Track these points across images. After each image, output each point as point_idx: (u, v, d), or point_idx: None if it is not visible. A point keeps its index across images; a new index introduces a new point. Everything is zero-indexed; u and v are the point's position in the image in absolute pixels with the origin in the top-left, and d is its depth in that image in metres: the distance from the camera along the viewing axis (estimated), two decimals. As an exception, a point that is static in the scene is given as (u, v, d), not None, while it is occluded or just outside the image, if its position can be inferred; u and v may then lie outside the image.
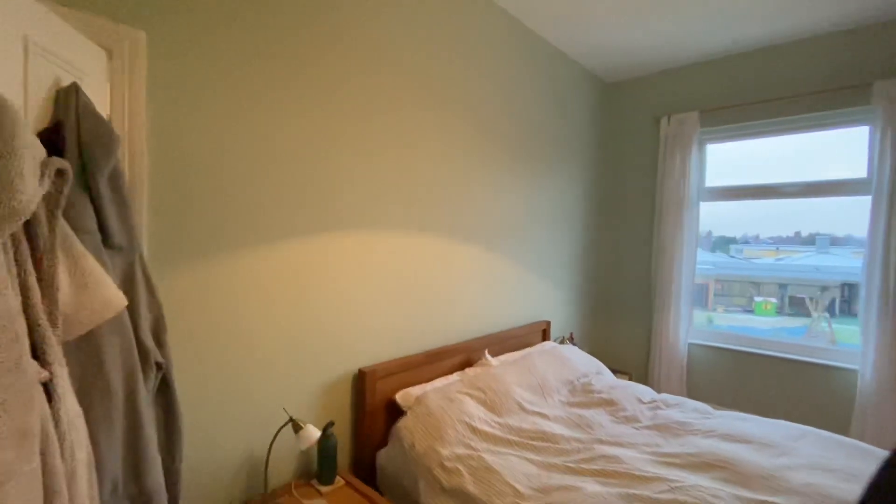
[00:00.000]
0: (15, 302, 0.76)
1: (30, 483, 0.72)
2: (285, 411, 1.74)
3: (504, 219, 2.82)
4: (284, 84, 1.71)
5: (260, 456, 1.70)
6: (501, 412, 2.03)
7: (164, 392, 1.26)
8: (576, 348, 2.87)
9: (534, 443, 1.90)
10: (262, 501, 1.64)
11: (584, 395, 2.38)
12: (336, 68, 1.88)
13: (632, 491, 1.57)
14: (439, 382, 2.14)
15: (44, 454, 0.76)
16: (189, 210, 1.50)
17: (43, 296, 0.83)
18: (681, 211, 3.45)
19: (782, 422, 2.13)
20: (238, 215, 1.61)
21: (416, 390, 2.04)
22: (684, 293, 3.45)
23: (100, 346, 1.02)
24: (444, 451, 1.75)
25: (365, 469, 1.97)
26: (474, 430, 1.88)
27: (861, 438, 2.71)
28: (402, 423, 1.90)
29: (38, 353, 0.80)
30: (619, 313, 3.88)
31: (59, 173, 0.85)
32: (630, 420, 2.17)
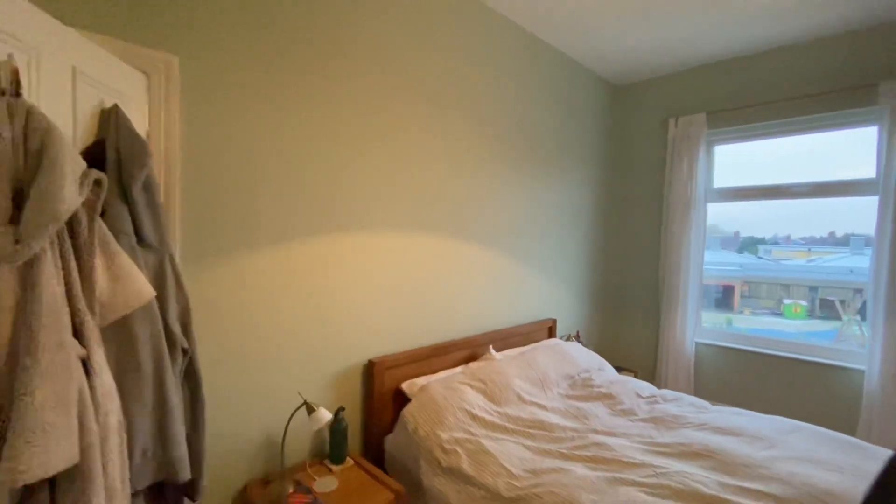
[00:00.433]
0: (59, 291, 0.88)
1: (68, 437, 0.83)
2: (300, 395, 1.86)
3: (511, 220, 2.88)
4: (304, 99, 1.83)
5: (277, 435, 1.82)
6: (500, 402, 2.09)
7: (190, 374, 1.38)
8: (579, 345, 2.89)
9: (530, 430, 1.95)
10: (279, 476, 1.75)
11: (583, 389, 2.41)
12: (355, 88, 1.99)
13: (618, 475, 1.61)
14: (443, 374, 2.22)
15: (81, 417, 0.88)
16: (216, 214, 1.63)
17: (83, 286, 0.95)
18: (688, 212, 3.42)
19: (777, 417, 2.12)
20: (260, 218, 1.74)
21: (421, 380, 2.13)
22: (691, 293, 3.42)
23: (133, 332, 1.15)
24: (444, 435, 1.83)
25: (374, 453, 2.07)
26: (473, 417, 1.95)
27: (867, 438, 2.65)
28: (407, 409, 1.99)
29: (78, 335, 0.92)
30: (627, 312, 3.86)
31: (97, 183, 0.97)
32: (627, 413, 2.20)
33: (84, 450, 0.87)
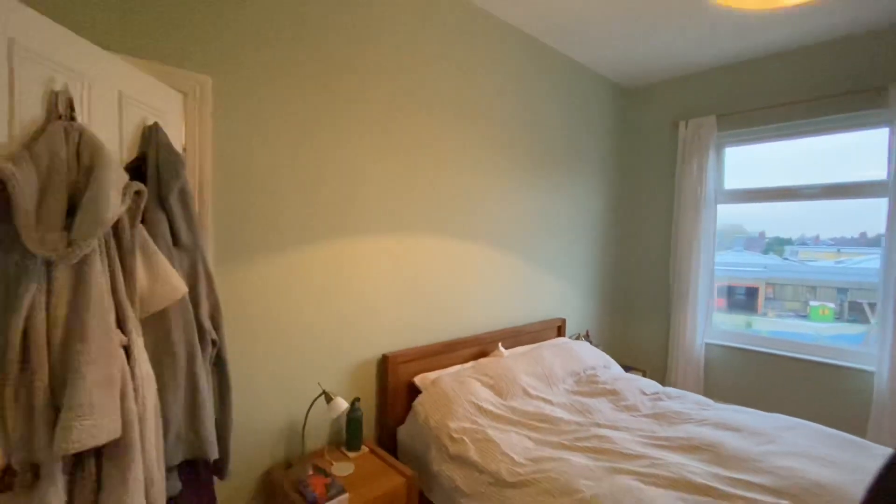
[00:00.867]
0: (106, 286, 0.99)
1: (112, 415, 0.93)
2: (319, 385, 1.95)
3: (522, 222, 2.92)
4: (323, 113, 1.93)
5: (298, 423, 1.91)
6: (507, 396, 2.14)
7: (219, 364, 1.48)
8: (586, 344, 2.90)
9: (535, 423, 1.99)
10: (300, 460, 1.85)
11: (588, 386, 2.43)
12: (370, 100, 2.08)
13: (616, 465, 1.64)
14: (454, 369, 2.28)
15: (123, 397, 0.98)
16: (244, 219, 1.74)
17: (125, 283, 1.06)
18: (698, 213, 3.38)
19: (778, 415, 2.09)
20: (283, 222, 1.84)
21: (432, 374, 2.19)
22: (701, 294, 3.38)
23: (168, 324, 1.25)
24: (453, 425, 1.89)
25: (387, 442, 2.14)
26: (481, 409, 2.00)
27: (877, 439, 2.58)
28: (419, 401, 2.05)
29: (120, 325, 1.03)
30: (638, 313, 3.84)
31: (137, 193, 1.08)
32: (630, 409, 2.21)
33: (125, 425, 0.97)
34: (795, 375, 3.02)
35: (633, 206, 3.88)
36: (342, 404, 1.84)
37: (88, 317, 0.92)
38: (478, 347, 2.55)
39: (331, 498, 1.59)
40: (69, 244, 0.88)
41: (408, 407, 2.16)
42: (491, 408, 2.03)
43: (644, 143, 3.81)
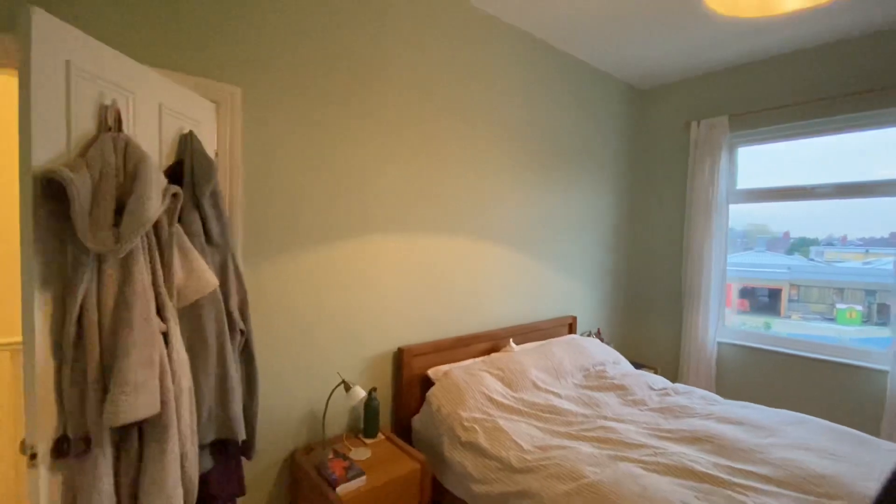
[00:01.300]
0: (147, 279, 1.08)
1: (152, 393, 1.03)
2: (339, 375, 2.03)
3: (535, 221, 2.95)
4: (344, 119, 2.01)
5: (319, 410, 2.00)
6: (516, 388, 2.18)
7: (247, 352, 1.58)
8: (597, 340, 2.92)
9: (543, 414, 2.03)
10: (320, 444, 1.94)
11: (597, 380, 2.45)
12: (389, 106, 2.15)
13: (620, 453, 1.67)
14: (466, 363, 2.34)
15: (161, 378, 1.07)
16: (271, 219, 1.84)
17: (164, 276, 1.16)
18: (710, 213, 3.35)
19: (784, 410, 2.08)
20: (307, 222, 1.93)
21: (444, 367, 2.25)
22: (713, 293, 3.35)
23: (201, 314, 1.35)
24: (465, 414, 1.95)
25: (402, 431, 2.21)
26: (491, 400, 2.05)
27: (891, 438, 2.53)
28: (432, 392, 2.12)
29: (160, 313, 1.12)
30: (650, 311, 3.82)
31: (174, 196, 1.17)
32: (637, 403, 2.23)
33: (163, 404, 1.07)
34: (809, 375, 2.96)
35: (646, 205, 3.86)
36: (360, 393, 1.91)
37: (133, 306, 1.02)
38: (490, 343, 2.60)
39: (350, 479, 1.67)
40: (117, 240, 0.98)
41: (422, 398, 2.22)
42: (501, 399, 2.08)
43: (656, 144, 3.78)
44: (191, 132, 1.47)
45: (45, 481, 0.97)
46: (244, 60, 1.75)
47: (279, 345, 1.88)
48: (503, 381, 2.20)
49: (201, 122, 1.62)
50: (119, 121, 1.11)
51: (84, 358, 0.98)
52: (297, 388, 1.94)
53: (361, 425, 2.10)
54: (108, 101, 1.10)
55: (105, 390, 0.99)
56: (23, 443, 0.96)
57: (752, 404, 2.19)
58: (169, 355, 1.12)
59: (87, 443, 1.00)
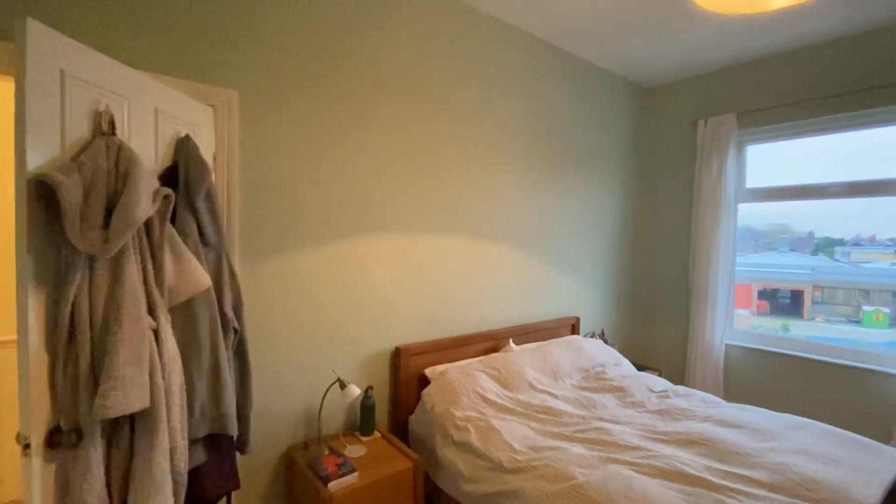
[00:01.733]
0: (138, 278, 1.13)
1: (142, 388, 1.07)
2: (334, 373, 2.07)
3: (537, 221, 2.95)
4: (340, 121, 2.04)
5: (315, 408, 2.04)
6: (512, 388, 2.19)
7: (240, 350, 1.62)
8: (598, 342, 2.90)
9: (538, 415, 2.04)
10: (317, 442, 1.97)
11: (595, 382, 2.45)
12: (386, 108, 2.18)
13: (612, 455, 1.67)
14: (463, 363, 2.35)
15: (151, 373, 1.11)
16: (268, 220, 1.88)
17: (155, 275, 1.20)
18: (718, 213, 3.30)
19: (787, 414, 2.04)
20: (304, 222, 1.97)
21: (441, 367, 2.28)
22: (721, 294, 3.30)
23: (194, 312, 1.39)
24: (458, 413, 1.97)
25: (399, 430, 2.24)
26: (485, 399, 2.07)
27: (904, 445, 2.47)
28: (427, 390, 2.14)
29: (151, 312, 1.16)
30: (656, 312, 3.78)
31: (166, 197, 1.22)
32: (636, 405, 2.21)
33: (153, 398, 1.11)
34: (819, 378, 2.90)
35: (652, 205, 3.82)
36: (355, 391, 1.95)
37: (123, 304, 1.07)
38: (490, 343, 2.61)
39: (341, 476, 1.71)
40: (106, 240, 1.02)
41: (419, 397, 2.25)
42: (495, 398, 2.09)
43: (663, 143, 3.74)
44: (187, 136, 1.52)
45: (39, 470, 1.01)
46: (242, 65, 1.80)
47: (278, 343, 1.93)
48: (499, 380, 2.21)
49: (199, 126, 1.67)
50: (113, 125, 1.15)
51: (76, 354, 1.03)
52: (294, 386, 1.99)
53: (359, 423, 2.13)
54: (102, 107, 1.15)
55: (96, 385, 1.04)
56: (18, 434, 1.02)
57: (754, 408, 2.16)
58: (159, 352, 1.17)
59: (78, 435, 1.05)
